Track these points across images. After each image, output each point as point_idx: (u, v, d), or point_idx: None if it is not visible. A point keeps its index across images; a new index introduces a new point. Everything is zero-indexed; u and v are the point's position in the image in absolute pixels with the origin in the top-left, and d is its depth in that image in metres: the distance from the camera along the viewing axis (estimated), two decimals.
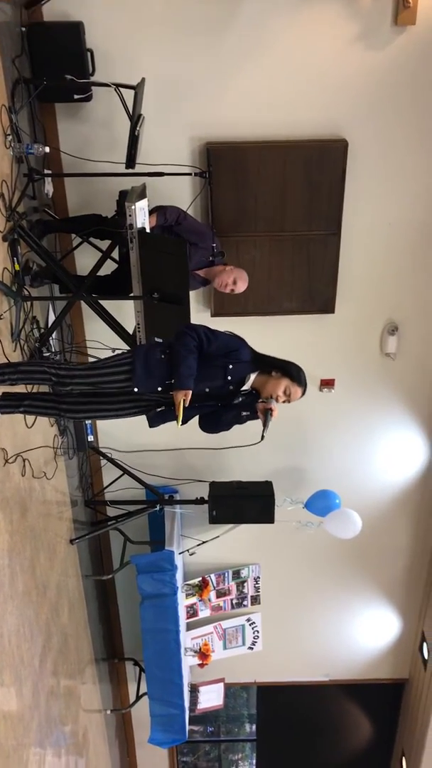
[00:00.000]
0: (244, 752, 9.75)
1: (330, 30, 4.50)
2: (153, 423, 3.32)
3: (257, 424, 3.28)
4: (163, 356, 3.15)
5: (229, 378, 3.20)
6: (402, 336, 5.45)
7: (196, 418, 3.36)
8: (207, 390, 3.21)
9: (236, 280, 4.56)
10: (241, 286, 4.61)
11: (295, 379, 3.23)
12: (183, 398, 3.04)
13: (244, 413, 3.27)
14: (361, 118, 4.74)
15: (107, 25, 4.42)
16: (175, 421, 3.17)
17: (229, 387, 3.23)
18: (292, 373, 3.24)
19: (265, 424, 3.19)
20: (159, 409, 3.24)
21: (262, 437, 3.23)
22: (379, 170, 4.90)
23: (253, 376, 3.27)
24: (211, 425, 3.36)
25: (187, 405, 3.06)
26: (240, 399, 3.26)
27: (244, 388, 3.28)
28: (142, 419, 3.40)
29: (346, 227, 5.00)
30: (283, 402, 3.25)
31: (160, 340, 3.90)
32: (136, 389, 3.15)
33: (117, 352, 3.95)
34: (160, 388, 3.14)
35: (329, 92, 4.67)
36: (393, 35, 4.53)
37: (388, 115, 4.74)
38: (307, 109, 4.71)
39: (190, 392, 3.05)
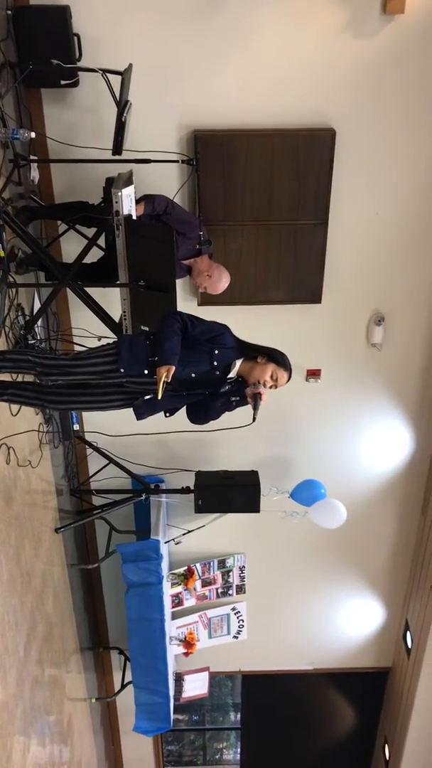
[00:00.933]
0: (229, 741, 9.81)
1: (319, 18, 4.48)
2: (140, 414, 3.31)
3: (243, 411, 3.28)
4: (147, 341, 3.16)
5: (215, 363, 3.21)
6: (388, 326, 5.46)
7: (185, 409, 3.36)
8: (193, 375, 3.21)
9: (207, 287, 4.63)
10: (217, 289, 4.64)
11: (280, 364, 3.25)
12: (165, 374, 3.01)
13: (234, 399, 3.28)
14: (350, 107, 4.73)
15: (94, 10, 4.37)
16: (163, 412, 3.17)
17: (215, 372, 3.23)
18: (277, 358, 3.26)
19: (255, 407, 3.22)
20: (147, 397, 3.23)
21: (254, 419, 3.24)
22: (367, 160, 4.89)
23: (238, 363, 3.28)
24: (199, 414, 3.36)
25: (168, 380, 3.03)
26: (227, 387, 3.28)
27: (231, 375, 3.29)
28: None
29: (334, 217, 4.99)
30: (270, 387, 3.27)
31: (146, 329, 3.90)
32: (122, 370, 3.13)
33: (103, 341, 3.95)
34: (146, 371, 3.13)
35: (317, 81, 4.65)
36: (381, 24, 4.51)
37: (377, 105, 4.73)
38: (295, 98, 4.69)
39: (173, 368, 3.03)
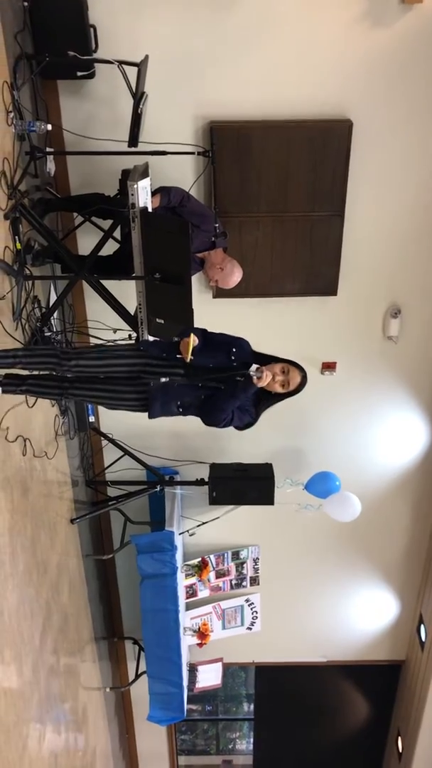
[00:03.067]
0: (242, 731, 9.87)
1: (336, 8, 4.44)
2: (153, 409, 3.35)
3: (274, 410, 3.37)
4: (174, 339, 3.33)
5: (233, 358, 3.30)
6: (404, 319, 5.43)
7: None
8: (210, 365, 3.27)
9: (219, 281, 4.64)
10: (229, 283, 4.64)
11: (293, 364, 3.30)
12: (190, 340, 3.14)
13: (239, 378, 3.28)
14: (367, 98, 4.69)
15: (111, 1, 4.36)
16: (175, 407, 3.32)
17: (232, 363, 3.29)
18: (290, 360, 3.33)
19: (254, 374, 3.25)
20: (163, 380, 3.28)
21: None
22: (384, 151, 4.85)
23: (254, 366, 3.29)
24: (209, 411, 3.37)
25: (196, 344, 3.16)
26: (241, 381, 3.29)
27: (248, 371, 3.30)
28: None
29: (350, 208, 4.96)
30: (281, 384, 3.28)
31: (161, 321, 3.91)
32: (141, 348, 3.30)
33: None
34: (164, 354, 3.27)
35: (334, 71, 4.61)
36: (400, 13, 4.46)
37: (394, 95, 4.69)
38: (312, 89, 4.66)
39: (196, 338, 3.16)
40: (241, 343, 3.38)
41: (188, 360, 3.15)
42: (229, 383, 3.27)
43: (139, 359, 3.33)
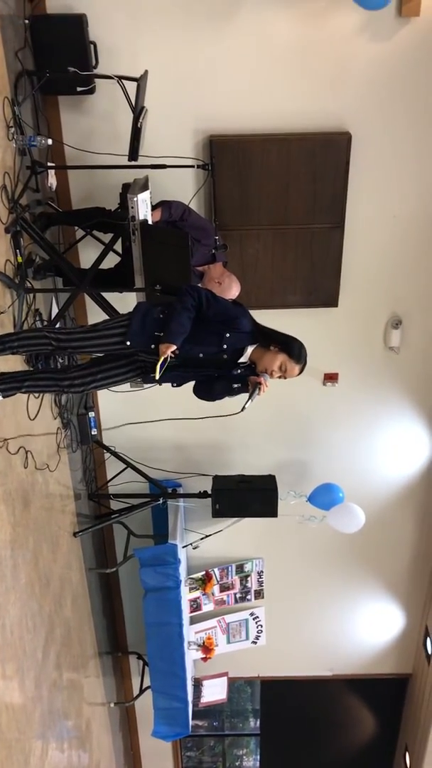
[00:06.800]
0: (249, 747, 9.77)
1: (334, 22, 4.48)
2: (147, 381, 3.29)
3: (263, 402, 3.25)
4: (161, 315, 3.13)
5: (224, 347, 3.14)
6: (406, 329, 5.43)
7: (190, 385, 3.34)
8: (201, 355, 3.17)
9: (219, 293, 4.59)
10: (226, 297, 4.62)
11: (293, 357, 3.15)
12: (166, 351, 3.00)
13: (235, 385, 3.21)
14: (365, 110, 4.72)
15: (110, 18, 4.41)
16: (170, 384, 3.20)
17: (223, 355, 3.17)
18: (292, 349, 3.16)
19: (250, 397, 3.15)
20: (152, 374, 3.21)
21: (243, 408, 3.17)
22: (383, 163, 4.88)
23: (250, 349, 3.20)
24: (204, 392, 3.31)
25: (173, 357, 3.03)
26: (238, 371, 3.21)
27: (242, 360, 3.22)
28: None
29: (350, 220, 4.98)
30: (279, 377, 3.18)
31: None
32: (128, 342, 3.11)
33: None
34: (153, 346, 3.10)
35: (333, 84, 4.65)
36: (397, 26, 4.50)
37: (392, 107, 4.72)
38: (311, 102, 4.69)
39: (173, 347, 3.02)
40: (238, 325, 3.15)
41: (156, 377, 3.06)
42: (222, 376, 3.21)
43: (131, 358, 3.25)
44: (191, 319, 3.10)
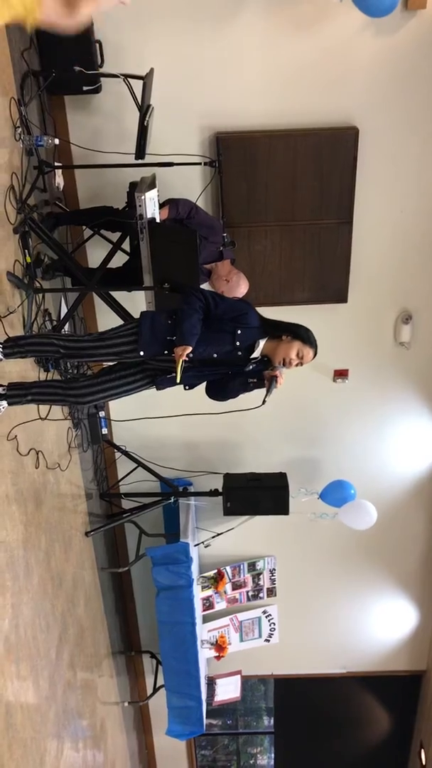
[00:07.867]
0: (263, 746, 9.77)
1: (339, 16, 4.46)
2: (160, 386, 3.30)
3: (277, 398, 3.24)
4: (169, 321, 3.14)
5: (238, 343, 3.18)
6: (416, 325, 5.40)
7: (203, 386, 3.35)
8: (215, 356, 3.19)
9: (225, 293, 4.55)
10: (234, 295, 4.62)
11: (306, 341, 3.21)
12: (182, 354, 3.00)
13: (251, 380, 3.24)
14: (372, 105, 4.69)
15: (116, 17, 4.40)
16: (182, 386, 3.19)
17: (237, 353, 3.20)
18: (302, 334, 3.21)
19: (268, 391, 3.20)
20: (169, 376, 3.22)
21: (263, 402, 3.22)
22: (391, 157, 4.85)
23: (262, 343, 3.23)
24: (217, 391, 3.33)
25: (186, 361, 3.04)
26: (252, 367, 3.23)
27: (255, 355, 3.24)
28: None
29: (358, 216, 4.96)
30: (296, 365, 3.22)
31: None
32: (141, 353, 3.13)
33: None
34: (165, 351, 3.12)
35: (339, 79, 4.63)
36: (403, 20, 4.47)
37: (399, 102, 4.69)
38: (317, 97, 4.67)
39: (189, 349, 3.02)
40: (247, 320, 3.19)
41: (178, 380, 3.07)
42: (238, 373, 3.23)
43: (141, 366, 3.26)
44: (201, 320, 3.12)
